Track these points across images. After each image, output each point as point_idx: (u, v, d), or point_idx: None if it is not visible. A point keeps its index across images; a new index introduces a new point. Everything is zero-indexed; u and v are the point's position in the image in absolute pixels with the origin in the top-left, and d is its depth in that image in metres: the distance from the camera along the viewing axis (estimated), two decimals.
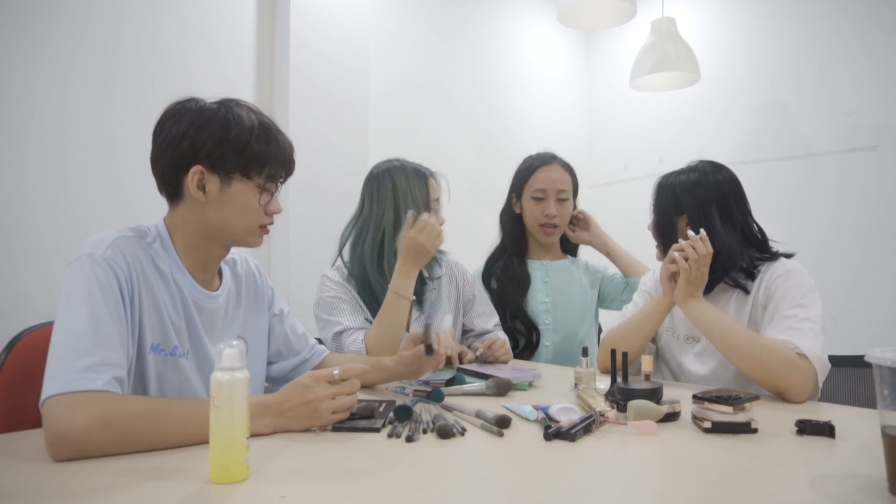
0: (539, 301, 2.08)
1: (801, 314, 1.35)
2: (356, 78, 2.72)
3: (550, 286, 2.10)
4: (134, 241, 1.08)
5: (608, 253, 2.18)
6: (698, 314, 1.42)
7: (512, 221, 2.15)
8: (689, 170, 1.59)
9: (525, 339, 2.05)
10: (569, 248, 2.24)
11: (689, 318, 1.45)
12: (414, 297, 1.62)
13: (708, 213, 1.51)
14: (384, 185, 1.74)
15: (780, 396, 1.29)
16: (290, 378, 1.13)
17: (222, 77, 2.44)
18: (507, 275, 2.09)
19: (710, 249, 1.41)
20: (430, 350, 1.35)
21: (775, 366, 1.28)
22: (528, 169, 2.11)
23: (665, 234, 1.58)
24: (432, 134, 3.15)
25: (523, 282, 2.08)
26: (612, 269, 2.19)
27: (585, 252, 2.30)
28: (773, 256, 1.51)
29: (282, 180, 1.18)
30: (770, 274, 1.46)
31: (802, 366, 1.27)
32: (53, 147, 2.06)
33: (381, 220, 1.73)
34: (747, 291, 1.49)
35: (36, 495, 0.76)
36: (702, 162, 1.60)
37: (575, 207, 2.17)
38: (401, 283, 1.58)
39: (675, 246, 1.45)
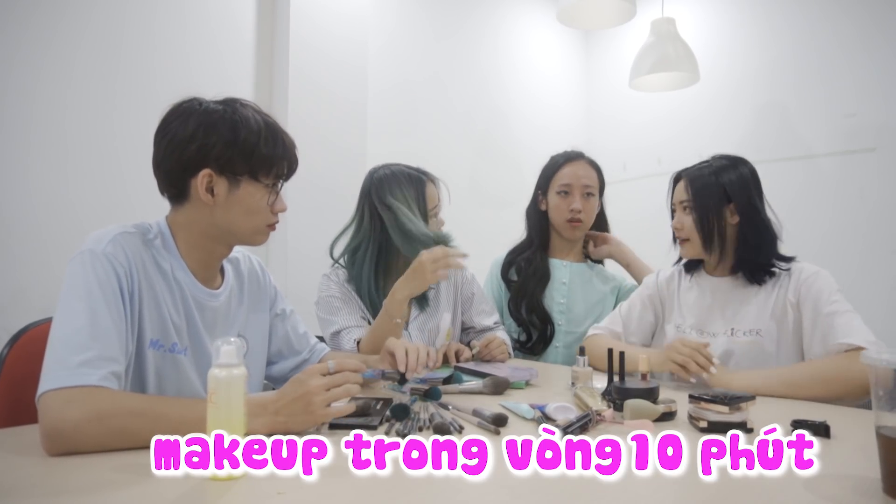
0: (556, 301, 2.07)
1: (839, 308, 1.39)
2: (355, 76, 2.72)
3: (568, 287, 2.09)
4: (135, 238, 1.08)
5: (627, 265, 2.15)
6: (746, 385, 1.35)
7: (538, 216, 2.13)
8: (719, 158, 1.59)
9: (539, 333, 2.04)
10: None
11: (745, 390, 1.33)
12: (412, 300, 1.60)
13: (752, 199, 1.54)
14: (382, 198, 1.72)
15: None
16: (290, 378, 1.13)
17: (222, 75, 2.45)
18: (531, 268, 2.08)
19: (700, 343, 1.38)
20: (402, 380, 1.31)
21: (847, 389, 1.29)
22: (554, 165, 2.10)
23: (711, 226, 1.55)
24: (431, 133, 3.14)
25: (544, 277, 2.07)
26: (629, 281, 2.14)
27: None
28: (794, 259, 1.55)
29: (286, 179, 1.19)
30: (799, 275, 1.50)
31: (859, 368, 1.26)
32: (53, 144, 2.06)
33: (379, 237, 1.73)
34: (760, 284, 1.53)
35: (32, 490, 0.76)
36: (720, 156, 1.61)
37: (601, 207, 2.15)
38: (392, 305, 1.56)
39: (670, 357, 1.39)
